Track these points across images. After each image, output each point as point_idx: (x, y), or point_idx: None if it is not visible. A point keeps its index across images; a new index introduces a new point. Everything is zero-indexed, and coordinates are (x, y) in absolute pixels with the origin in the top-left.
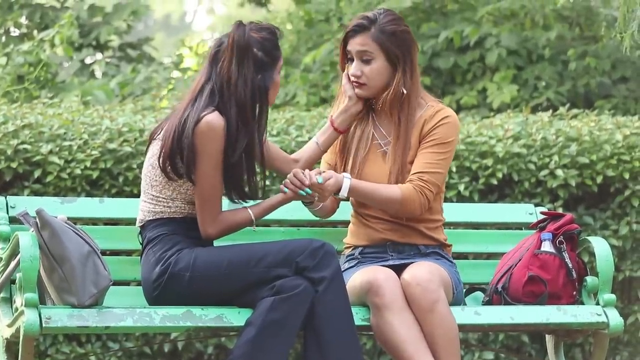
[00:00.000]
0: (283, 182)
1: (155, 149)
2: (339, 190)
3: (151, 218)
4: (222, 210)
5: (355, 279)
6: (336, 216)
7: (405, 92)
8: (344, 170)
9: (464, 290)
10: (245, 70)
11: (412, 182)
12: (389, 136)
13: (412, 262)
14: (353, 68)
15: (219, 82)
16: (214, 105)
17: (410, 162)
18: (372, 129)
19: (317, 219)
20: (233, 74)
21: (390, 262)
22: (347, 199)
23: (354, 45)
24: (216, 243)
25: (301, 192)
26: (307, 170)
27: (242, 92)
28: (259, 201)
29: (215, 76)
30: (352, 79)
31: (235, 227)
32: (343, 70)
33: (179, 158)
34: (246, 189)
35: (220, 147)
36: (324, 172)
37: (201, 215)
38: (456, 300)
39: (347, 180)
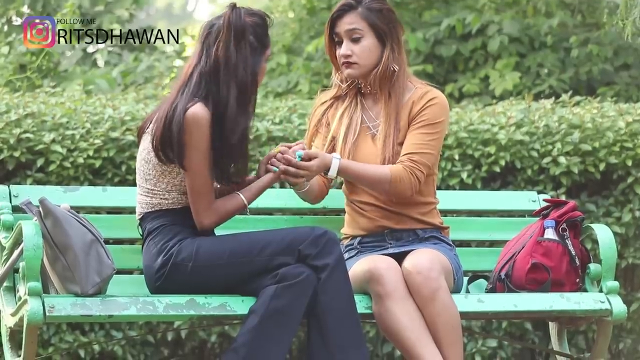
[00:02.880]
0: (270, 161)
1: (146, 142)
2: (327, 170)
3: (149, 210)
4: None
5: (356, 268)
6: (339, 203)
7: (396, 69)
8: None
9: (467, 278)
10: (245, 52)
11: (402, 162)
12: (377, 119)
13: (412, 250)
14: (343, 48)
15: (212, 65)
16: (202, 93)
17: (400, 143)
18: (361, 113)
19: (320, 206)
20: (232, 56)
21: (390, 251)
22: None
23: (342, 25)
24: (217, 232)
25: (274, 168)
26: (292, 149)
27: (243, 74)
28: (248, 186)
29: (205, 59)
30: (342, 59)
31: (230, 214)
32: (330, 55)
33: (169, 144)
34: (231, 172)
35: (207, 138)
36: (308, 150)
37: (195, 207)
38: (457, 285)
39: (335, 161)
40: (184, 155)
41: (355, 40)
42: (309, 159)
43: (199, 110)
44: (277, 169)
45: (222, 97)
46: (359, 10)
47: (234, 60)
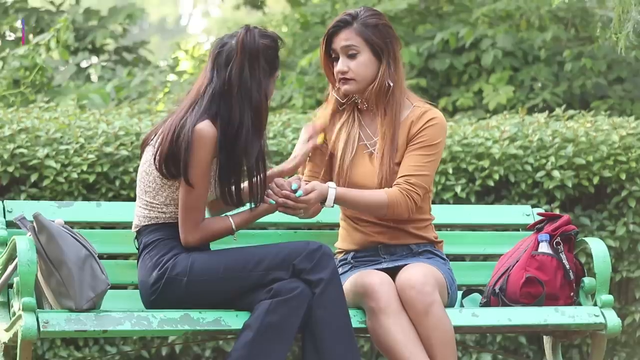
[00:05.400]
0: (266, 193)
1: (148, 155)
2: (324, 200)
3: (146, 223)
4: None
5: (350, 283)
6: (333, 218)
7: (391, 84)
8: (331, 174)
9: (461, 292)
10: (258, 75)
11: (399, 185)
12: (375, 136)
13: (406, 264)
14: (339, 65)
15: (225, 87)
16: (213, 111)
17: (397, 163)
18: (359, 130)
19: (314, 221)
20: (247, 79)
21: (384, 265)
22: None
23: (339, 41)
24: (212, 246)
25: (271, 201)
26: (287, 181)
27: (257, 97)
28: (240, 210)
29: (218, 79)
30: (339, 76)
31: (215, 235)
32: (327, 71)
33: (175, 159)
34: (236, 196)
35: (210, 155)
36: (305, 181)
37: (184, 223)
38: (451, 299)
39: (332, 191)
40: (188, 170)
41: (352, 57)
42: (306, 193)
43: (205, 127)
44: (274, 202)
45: (234, 119)
46: (355, 26)
47: (249, 84)
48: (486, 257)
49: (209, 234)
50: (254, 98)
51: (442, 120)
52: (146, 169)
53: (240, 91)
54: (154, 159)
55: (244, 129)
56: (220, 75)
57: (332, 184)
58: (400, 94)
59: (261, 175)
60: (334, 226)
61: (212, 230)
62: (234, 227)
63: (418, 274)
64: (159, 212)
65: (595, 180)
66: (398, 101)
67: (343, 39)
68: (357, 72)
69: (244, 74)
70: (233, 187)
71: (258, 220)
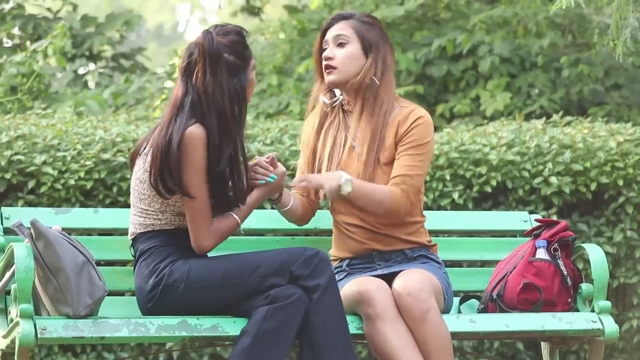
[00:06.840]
0: (254, 177)
1: (140, 163)
2: (338, 188)
3: (142, 231)
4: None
5: (346, 290)
6: (330, 224)
7: (370, 81)
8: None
9: (459, 298)
10: (220, 77)
11: (398, 185)
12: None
13: (401, 270)
14: (327, 51)
15: (196, 94)
16: (196, 118)
17: (385, 163)
18: (345, 132)
19: (312, 227)
20: (209, 84)
21: (379, 272)
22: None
23: (332, 32)
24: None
25: (269, 179)
26: (265, 159)
27: (220, 100)
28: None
29: (191, 89)
30: (324, 62)
31: (226, 234)
32: (317, 65)
33: (168, 175)
34: (231, 196)
35: (203, 157)
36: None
37: (195, 230)
38: (447, 304)
39: (346, 174)
40: (183, 177)
41: (341, 45)
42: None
43: (195, 129)
44: (263, 182)
45: (207, 125)
46: (350, 20)
47: (211, 89)
48: (484, 263)
49: (221, 235)
50: (217, 103)
51: (428, 119)
52: (140, 176)
53: (206, 97)
54: (150, 179)
55: (212, 136)
56: (193, 85)
57: (342, 172)
58: (387, 97)
59: (236, 178)
60: (332, 232)
61: (222, 230)
62: (239, 220)
63: (414, 280)
64: (154, 219)
65: (593, 186)
66: (380, 102)
67: (336, 30)
68: (341, 61)
69: (206, 80)
70: (220, 192)
71: (256, 227)
